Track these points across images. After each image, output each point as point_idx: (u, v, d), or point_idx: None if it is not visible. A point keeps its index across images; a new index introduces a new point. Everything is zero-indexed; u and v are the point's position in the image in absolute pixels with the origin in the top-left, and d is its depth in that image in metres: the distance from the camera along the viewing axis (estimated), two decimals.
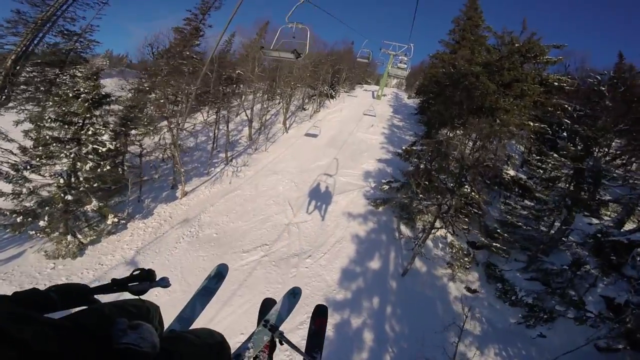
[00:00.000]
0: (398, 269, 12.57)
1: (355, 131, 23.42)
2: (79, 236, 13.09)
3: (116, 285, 1.32)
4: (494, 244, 12.72)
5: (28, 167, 12.56)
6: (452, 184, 12.87)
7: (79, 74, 13.98)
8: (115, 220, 13.83)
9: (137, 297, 1.35)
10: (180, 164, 16.84)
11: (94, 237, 13.58)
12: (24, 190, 12.51)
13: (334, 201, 15.60)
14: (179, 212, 15.80)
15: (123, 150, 17.08)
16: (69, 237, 12.67)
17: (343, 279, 11.82)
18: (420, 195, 13.55)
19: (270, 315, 2.04)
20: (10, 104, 13.19)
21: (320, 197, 16.03)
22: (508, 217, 13.66)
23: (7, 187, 12.45)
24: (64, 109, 12.92)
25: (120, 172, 16.39)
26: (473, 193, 13.00)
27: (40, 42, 13.84)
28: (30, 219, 12.19)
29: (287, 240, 13.35)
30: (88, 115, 12.93)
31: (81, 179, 12.76)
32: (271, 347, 1.95)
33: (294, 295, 2.17)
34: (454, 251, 13.15)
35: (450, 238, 13.92)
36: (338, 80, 36.86)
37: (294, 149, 21.38)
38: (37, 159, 12.67)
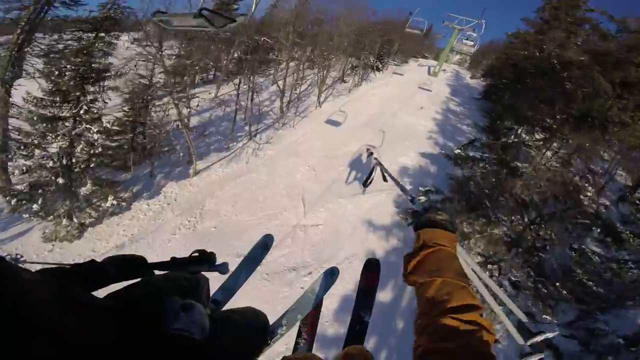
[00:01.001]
0: (412, 307, 9.29)
1: (400, 113, 19.27)
2: (76, 219, 11.65)
3: (175, 264, 1.22)
4: (543, 289, 8.81)
5: (21, 147, 11.35)
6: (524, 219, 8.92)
7: (67, 50, 12.03)
8: (115, 202, 12.20)
9: None
10: (190, 142, 14.46)
11: (94, 218, 12.13)
12: (16, 171, 11.43)
13: (355, 202, 12.35)
14: (185, 194, 13.67)
15: (142, 120, 15.19)
16: (64, 220, 11.36)
17: (341, 310, 8.83)
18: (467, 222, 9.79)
19: (305, 295, 1.81)
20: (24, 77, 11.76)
21: (339, 194, 12.85)
22: (574, 262, 9.41)
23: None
24: (51, 86, 11.22)
25: (127, 148, 14.56)
26: (546, 231, 8.93)
27: (45, 12, 11.86)
28: (24, 201, 10.98)
29: (289, 248, 10.54)
30: (78, 93, 11.05)
31: (75, 160, 11.23)
32: (312, 331, 1.76)
33: (332, 275, 1.92)
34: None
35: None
36: (388, 51, 31.74)
37: (322, 127, 18.03)
38: (30, 138, 11.35)
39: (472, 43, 27.04)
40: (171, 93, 15.55)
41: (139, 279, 1.12)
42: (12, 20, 11.53)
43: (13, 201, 10.87)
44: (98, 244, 11.43)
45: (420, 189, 11.46)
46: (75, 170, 11.35)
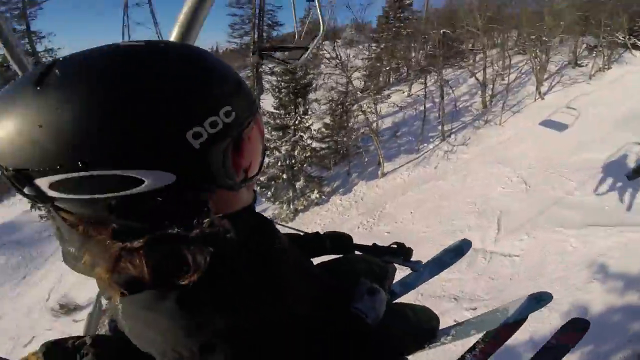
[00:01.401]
0: None
1: None
2: (292, 206, 14.64)
3: (374, 250, 1.30)
4: None
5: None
6: None
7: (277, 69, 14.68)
8: (318, 195, 14.20)
9: None
10: (378, 145, 14.59)
11: (304, 206, 14.84)
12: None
13: (585, 236, 8.55)
14: (371, 194, 13.97)
15: (344, 124, 16.78)
16: (285, 206, 14.72)
17: None
18: None
19: (492, 313, 1.55)
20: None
21: (561, 222, 9.27)
22: None
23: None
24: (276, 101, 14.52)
25: (331, 150, 16.48)
26: None
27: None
28: (264, 189, 14.79)
29: (461, 274, 8.07)
30: (292, 106, 13.95)
31: (294, 160, 14.36)
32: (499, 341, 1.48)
33: (537, 300, 1.46)
34: None
35: None
36: None
37: (547, 125, 13.89)
38: (268, 143, 14.86)
39: None
40: (367, 96, 16.36)
41: (342, 255, 1.26)
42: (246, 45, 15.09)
43: (257, 188, 14.75)
44: (303, 227, 13.46)
45: None
46: (294, 168, 13.94)
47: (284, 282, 0.63)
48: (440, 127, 16.32)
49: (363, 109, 15.34)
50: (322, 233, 1.23)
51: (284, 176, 13.92)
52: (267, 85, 15.50)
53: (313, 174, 15.04)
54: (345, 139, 16.47)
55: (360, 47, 27.17)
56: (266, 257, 0.62)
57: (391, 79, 27.45)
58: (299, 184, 14.19)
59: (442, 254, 1.90)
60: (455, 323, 1.58)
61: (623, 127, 11.89)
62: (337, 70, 15.78)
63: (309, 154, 13.92)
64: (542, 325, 6.17)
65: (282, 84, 14.22)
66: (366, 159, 16.34)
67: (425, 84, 17.16)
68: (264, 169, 15.16)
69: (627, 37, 19.37)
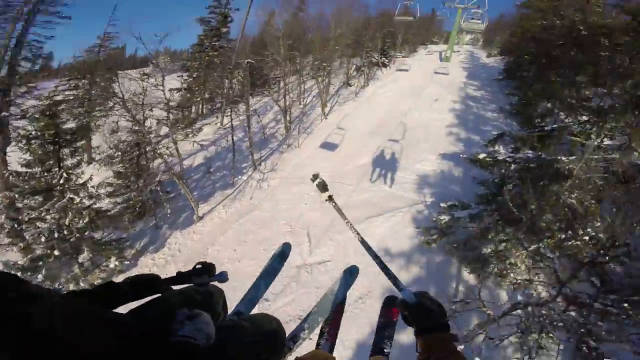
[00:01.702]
0: None
1: (413, 110, 16.89)
2: (82, 283, 10.92)
3: (181, 278, 1.28)
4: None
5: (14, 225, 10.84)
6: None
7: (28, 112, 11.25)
8: (117, 263, 11.33)
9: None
10: (187, 190, 13.19)
11: (101, 279, 11.31)
12: (14, 248, 11.05)
13: (367, 228, 10.30)
14: (188, 243, 12.46)
15: (138, 171, 14.29)
16: (72, 285, 10.74)
17: (357, 359, 6.96)
18: (504, 239, 7.44)
19: (325, 297, 1.81)
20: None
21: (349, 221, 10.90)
22: None
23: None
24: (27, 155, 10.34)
25: (127, 204, 13.76)
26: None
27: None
28: (30, 273, 10.34)
29: (293, 294, 8.73)
30: (54, 160, 10.10)
31: (67, 231, 10.34)
32: (334, 335, 1.75)
33: (350, 274, 1.84)
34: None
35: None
36: (393, 44, 29.20)
37: (328, 143, 16.17)
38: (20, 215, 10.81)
39: (479, 21, 24.33)
40: (170, 134, 14.65)
41: (157, 296, 1.16)
42: None
43: (19, 274, 10.34)
44: None
45: (442, 205, 9.09)
46: (71, 240, 10.54)
47: (55, 333, 0.63)
48: (250, 157, 16.51)
49: (159, 151, 13.52)
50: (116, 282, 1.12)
51: (56, 252, 10.19)
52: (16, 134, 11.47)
53: (105, 239, 11.90)
54: (145, 188, 14.16)
55: (175, 75, 25.18)
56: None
57: (204, 110, 26.56)
58: (83, 257, 10.83)
59: (270, 262, 1.96)
60: (304, 317, 1.70)
61: (376, 134, 15.12)
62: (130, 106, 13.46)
63: (87, 219, 10.62)
64: (373, 314, 7.35)
65: (35, 132, 10.28)
66: (180, 203, 14.62)
67: (231, 115, 16.99)
68: (18, 250, 11.33)
69: (380, 56, 25.67)
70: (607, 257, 4.75)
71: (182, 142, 22.54)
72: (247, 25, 23.86)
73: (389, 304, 1.77)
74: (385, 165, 12.80)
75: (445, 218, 8.83)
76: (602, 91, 8.31)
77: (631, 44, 7.02)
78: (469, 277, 8.65)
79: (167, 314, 0.96)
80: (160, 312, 1.04)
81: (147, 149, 14.43)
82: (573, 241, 6.41)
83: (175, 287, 1.26)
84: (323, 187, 1.54)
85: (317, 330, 1.72)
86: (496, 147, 9.66)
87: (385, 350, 1.65)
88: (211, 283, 1.33)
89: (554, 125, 8.88)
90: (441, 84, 19.87)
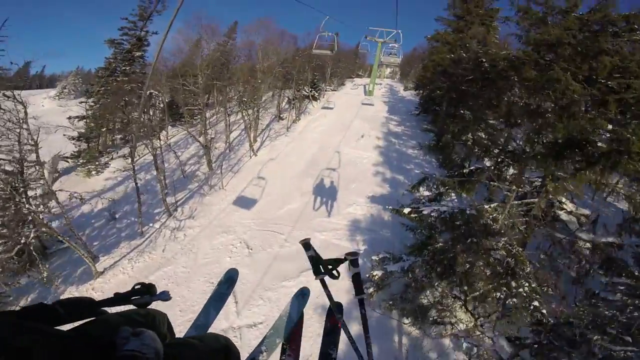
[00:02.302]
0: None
1: (342, 146, 16.65)
2: None
3: (119, 299, 1.23)
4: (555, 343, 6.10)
5: None
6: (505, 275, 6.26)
7: None
8: None
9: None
10: (76, 245, 10.49)
11: None
12: None
13: (302, 283, 9.16)
14: None
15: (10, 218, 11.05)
16: None
17: None
18: (440, 289, 7.03)
19: (280, 319, 1.79)
20: None
21: (283, 275, 9.61)
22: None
23: None
24: None
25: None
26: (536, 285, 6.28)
27: None
28: None
29: None
30: None
31: None
32: (296, 352, 1.75)
33: (302, 295, 1.84)
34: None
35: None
36: (323, 76, 29.70)
37: (258, 181, 14.84)
38: None
39: (396, 55, 25.94)
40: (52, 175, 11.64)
41: (93, 319, 1.04)
42: None
43: None
44: None
45: (374, 258, 8.46)
46: None
47: None
48: (171, 199, 14.19)
49: (20, 200, 10.56)
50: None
51: None
52: None
53: None
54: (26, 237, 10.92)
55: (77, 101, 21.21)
56: None
57: (113, 142, 22.94)
58: None
59: (218, 289, 1.90)
60: (261, 340, 1.67)
61: (306, 174, 14.32)
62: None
63: None
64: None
65: None
66: (76, 254, 11.59)
67: (132, 154, 14.37)
68: None
69: (310, 90, 25.51)
70: (550, 337, 4.33)
71: (83, 179, 18.98)
72: (168, 52, 21.66)
73: (331, 314, 1.79)
74: (318, 211, 11.94)
75: (378, 273, 8.16)
76: (516, 131, 8.69)
77: (538, 78, 6.77)
78: (411, 328, 8.01)
79: (110, 332, 0.87)
80: (103, 331, 0.91)
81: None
82: (510, 301, 6.17)
83: (111, 311, 1.16)
84: (315, 263, 1.44)
85: (278, 349, 1.70)
86: (420, 190, 9.50)
87: (332, 356, 1.69)
88: (152, 307, 1.26)
89: (472, 167, 9.06)
90: (366, 118, 20.31)
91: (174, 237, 12.23)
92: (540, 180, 7.99)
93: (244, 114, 17.63)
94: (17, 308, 1.01)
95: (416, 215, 7.29)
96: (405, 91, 31.79)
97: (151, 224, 13.25)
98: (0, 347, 0.58)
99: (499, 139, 8.17)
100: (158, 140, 15.86)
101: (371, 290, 8.33)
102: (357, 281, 1.51)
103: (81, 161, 18.95)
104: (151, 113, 23.58)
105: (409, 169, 13.52)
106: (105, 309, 1.18)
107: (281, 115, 22.42)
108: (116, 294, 1.23)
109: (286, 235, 11.18)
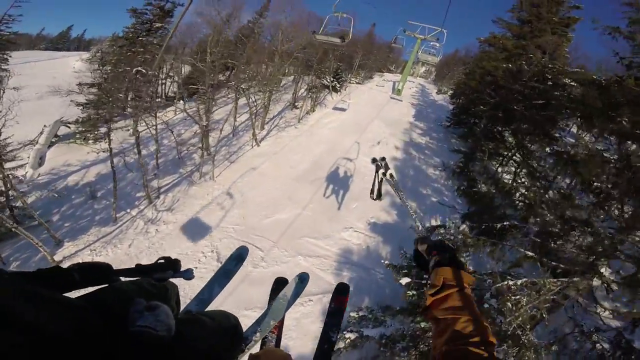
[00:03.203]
0: None
1: (352, 151, 14.36)
2: None
3: (140, 271, 1.13)
4: None
5: None
6: None
7: None
8: None
9: None
10: (24, 232, 8.98)
11: None
12: None
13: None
14: None
15: None
16: None
17: None
18: None
19: (277, 301, 1.70)
20: None
21: (243, 302, 7.78)
22: None
23: None
24: None
25: None
26: None
27: None
28: None
29: None
30: None
31: None
32: (280, 329, 1.75)
33: (301, 280, 1.77)
34: None
35: None
36: (350, 66, 26.93)
37: (253, 177, 12.93)
38: None
39: (435, 53, 23.20)
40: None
41: (106, 285, 1.01)
42: None
43: None
44: None
45: (353, 314, 6.42)
46: None
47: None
48: (156, 184, 12.62)
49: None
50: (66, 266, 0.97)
51: None
52: None
53: None
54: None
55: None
56: None
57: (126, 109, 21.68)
58: None
59: (225, 264, 1.83)
60: (256, 320, 1.56)
61: (304, 179, 12.21)
62: None
63: None
64: None
65: None
66: (44, 234, 10.33)
67: (109, 136, 12.71)
68: None
69: (332, 80, 23.06)
70: None
71: (80, 147, 17.81)
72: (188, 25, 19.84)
73: (340, 292, 1.75)
74: (309, 229, 9.91)
75: (351, 336, 6.13)
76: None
77: None
78: None
79: (124, 302, 0.83)
80: (116, 300, 0.87)
81: None
82: None
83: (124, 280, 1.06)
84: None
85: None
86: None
87: (333, 339, 1.63)
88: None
89: (506, 224, 6.69)
90: (387, 120, 17.73)
91: (145, 230, 10.66)
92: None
93: (248, 100, 15.57)
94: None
95: (415, 293, 5.13)
96: (438, 94, 28.50)
97: (128, 210, 11.76)
98: (8, 320, 0.51)
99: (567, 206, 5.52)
100: (153, 118, 14.18)
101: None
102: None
103: (80, 128, 17.74)
104: (163, 86, 22.04)
105: (425, 195, 11.14)
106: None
107: (296, 104, 20.15)
108: (137, 265, 1.13)
109: (265, 252, 9.29)
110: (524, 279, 5.46)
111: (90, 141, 17.36)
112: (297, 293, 1.71)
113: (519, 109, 8.93)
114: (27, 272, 0.85)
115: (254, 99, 15.81)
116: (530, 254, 5.97)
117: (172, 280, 1.23)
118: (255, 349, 1.46)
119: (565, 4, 13.08)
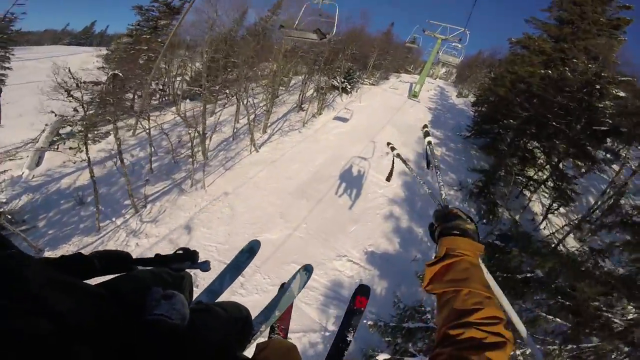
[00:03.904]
0: None
1: (358, 162, 13.00)
2: None
3: (158, 261, 1.12)
4: None
5: None
6: None
7: None
8: None
9: None
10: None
11: None
12: None
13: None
14: None
15: None
16: None
17: None
18: None
19: (282, 292, 1.70)
20: None
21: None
22: None
23: None
24: None
25: None
26: None
27: None
28: None
29: None
30: None
31: None
32: (287, 319, 1.78)
33: (306, 272, 1.81)
34: None
35: None
36: (364, 66, 25.40)
37: (247, 188, 11.86)
38: None
39: (456, 54, 21.68)
40: None
41: (124, 274, 1.03)
42: None
43: None
44: None
45: None
46: None
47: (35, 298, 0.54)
48: (142, 191, 11.86)
49: None
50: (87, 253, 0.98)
51: None
52: None
53: None
54: None
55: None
56: None
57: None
58: None
59: (237, 257, 1.83)
60: (261, 311, 1.56)
61: (305, 193, 11.01)
62: None
63: None
64: None
65: None
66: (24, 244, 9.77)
67: (85, 133, 11.98)
68: None
69: (343, 81, 21.71)
70: None
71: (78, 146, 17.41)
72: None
73: (361, 292, 1.71)
74: (298, 253, 8.74)
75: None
76: None
77: None
78: None
79: (141, 291, 0.85)
80: (133, 289, 0.88)
81: None
82: None
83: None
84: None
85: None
86: None
87: (348, 339, 1.60)
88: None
89: (530, 274, 5.28)
90: (400, 127, 16.20)
91: (126, 243, 9.87)
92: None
93: (246, 104, 14.52)
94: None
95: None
96: (458, 97, 26.47)
97: (113, 219, 11.03)
98: (39, 308, 0.52)
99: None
100: (146, 120, 13.46)
101: None
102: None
103: (79, 128, 17.33)
104: (172, 84, 21.44)
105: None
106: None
107: (302, 106, 18.95)
108: (157, 255, 1.12)
109: (246, 278, 8.24)
110: None
111: (89, 142, 16.97)
112: (302, 284, 1.70)
113: (560, 125, 7.34)
114: (52, 258, 0.86)
115: (252, 102, 14.72)
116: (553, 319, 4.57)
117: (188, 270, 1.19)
118: (263, 339, 1.41)
119: (613, 3, 11.13)
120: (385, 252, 8.50)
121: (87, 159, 9.72)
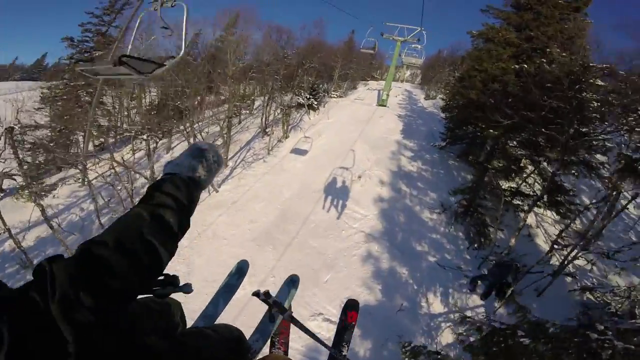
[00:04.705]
0: None
1: (329, 190, 11.74)
2: None
3: None
4: None
5: None
6: None
7: None
8: None
9: None
10: None
11: None
12: None
13: None
14: None
15: None
16: None
17: None
18: None
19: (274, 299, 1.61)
20: None
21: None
22: None
23: None
24: None
25: None
26: None
27: None
28: None
29: None
30: None
31: None
32: (287, 333, 1.76)
33: (292, 282, 1.76)
34: None
35: None
36: (330, 78, 24.55)
37: (204, 240, 10.28)
38: None
39: (417, 55, 21.67)
40: None
41: None
42: None
43: None
44: None
45: None
46: None
47: None
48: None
49: None
50: None
51: None
52: None
53: None
54: None
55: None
56: None
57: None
58: None
59: (227, 280, 1.80)
60: (255, 329, 1.54)
61: (268, 238, 9.58)
62: None
63: None
64: None
65: None
66: None
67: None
68: None
69: (308, 97, 20.60)
70: None
71: (24, 204, 15.28)
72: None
73: (350, 307, 1.77)
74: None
75: None
76: None
77: None
78: None
79: (132, 319, 0.91)
80: (124, 318, 0.87)
81: None
82: None
83: None
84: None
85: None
86: None
87: (343, 352, 1.65)
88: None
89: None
90: (371, 142, 15.15)
91: None
92: None
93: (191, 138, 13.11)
94: None
95: None
96: (426, 100, 26.07)
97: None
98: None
99: None
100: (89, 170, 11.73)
101: None
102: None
103: (21, 183, 15.20)
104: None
105: (419, 252, 8.53)
106: None
107: (266, 130, 17.64)
108: None
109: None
110: None
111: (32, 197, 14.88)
112: (290, 295, 1.67)
113: (550, 132, 6.42)
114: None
115: (202, 138, 13.30)
116: None
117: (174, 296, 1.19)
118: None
119: None
120: (366, 304, 7.23)
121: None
